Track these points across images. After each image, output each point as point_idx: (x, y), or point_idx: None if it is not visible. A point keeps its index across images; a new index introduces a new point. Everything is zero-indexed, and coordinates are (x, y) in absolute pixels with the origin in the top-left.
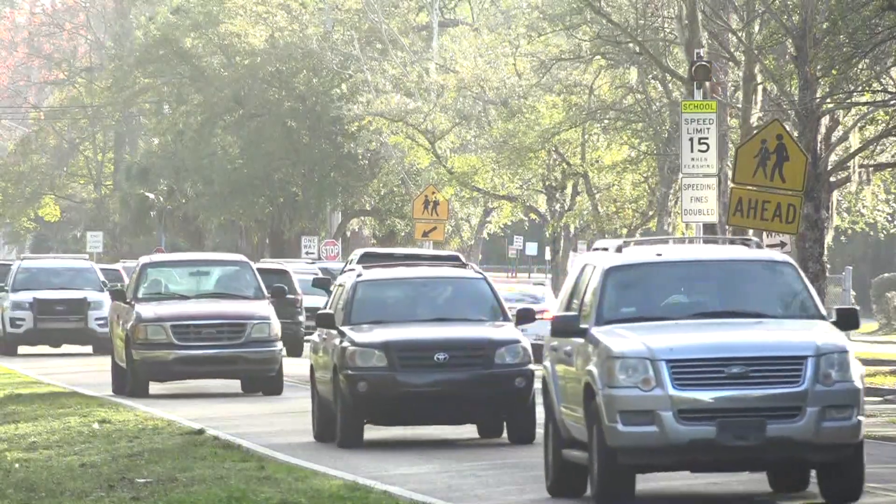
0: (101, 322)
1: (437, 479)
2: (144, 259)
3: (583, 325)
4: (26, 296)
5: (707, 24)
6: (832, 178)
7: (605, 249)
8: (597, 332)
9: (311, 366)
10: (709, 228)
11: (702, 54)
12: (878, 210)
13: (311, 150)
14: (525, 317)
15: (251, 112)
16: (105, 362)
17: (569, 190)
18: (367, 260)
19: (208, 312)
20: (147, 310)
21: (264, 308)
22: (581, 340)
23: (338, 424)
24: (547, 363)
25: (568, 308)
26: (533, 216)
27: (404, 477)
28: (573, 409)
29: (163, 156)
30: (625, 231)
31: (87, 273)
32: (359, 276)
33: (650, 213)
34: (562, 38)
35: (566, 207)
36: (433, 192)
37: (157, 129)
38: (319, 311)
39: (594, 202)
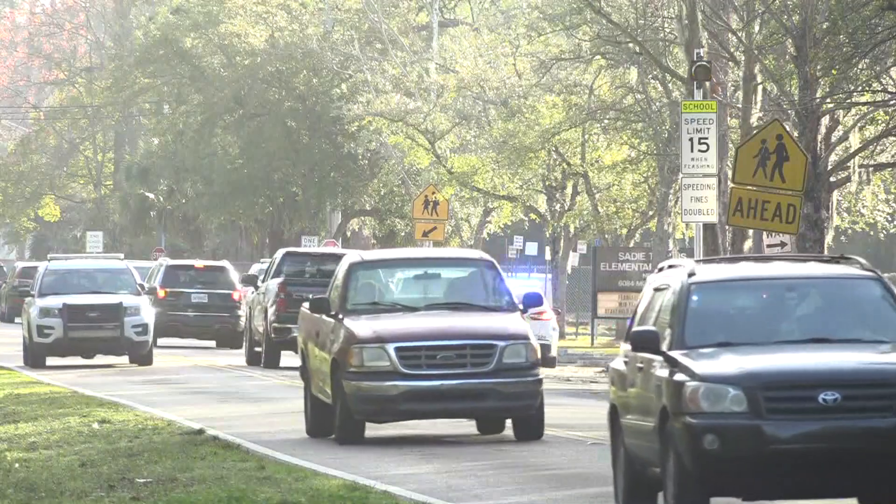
0: (139, 329)
1: (437, 479)
2: (353, 257)
3: None
4: (55, 301)
5: (707, 24)
6: (832, 178)
7: None
8: None
9: (613, 406)
10: (709, 228)
11: (702, 54)
12: (878, 210)
13: (311, 150)
14: None
15: (251, 112)
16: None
17: (569, 190)
18: (290, 259)
19: (446, 330)
20: (362, 326)
21: (518, 322)
22: None
23: (668, 495)
24: None
25: None
26: (533, 216)
27: (404, 477)
28: None
29: (163, 156)
30: (625, 231)
31: (122, 275)
32: (691, 275)
33: (650, 213)
34: (562, 38)
35: (566, 207)
36: (433, 192)
37: (157, 129)
38: (635, 329)
39: (594, 202)
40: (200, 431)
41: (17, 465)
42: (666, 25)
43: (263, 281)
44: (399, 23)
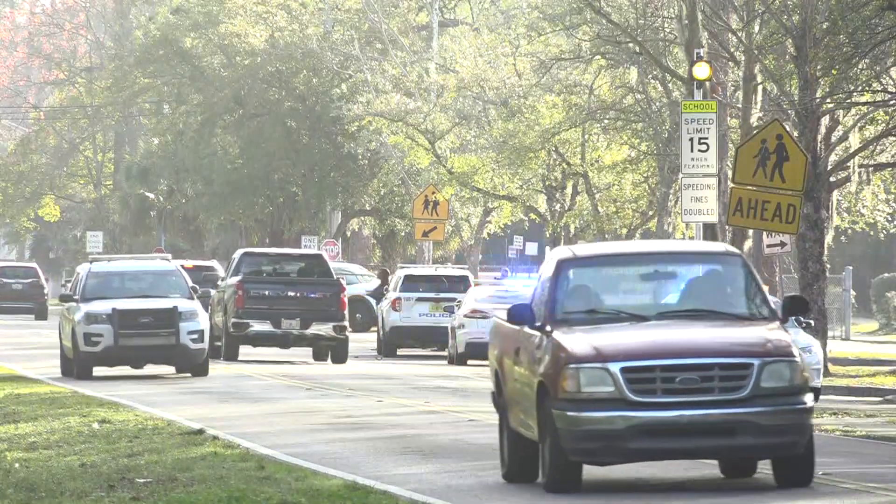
0: (195, 336)
1: (437, 479)
2: (563, 253)
3: None
4: (103, 306)
5: (707, 24)
6: (832, 178)
7: None
8: None
9: None
10: (708, 228)
11: (702, 54)
12: (878, 210)
13: (311, 150)
14: None
15: (251, 112)
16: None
17: (569, 190)
18: (248, 259)
19: (687, 345)
20: (577, 341)
21: (779, 335)
22: None
23: None
24: None
25: None
26: (533, 216)
27: (404, 477)
28: None
29: (163, 156)
30: (625, 231)
31: (172, 277)
32: None
33: (650, 213)
34: (562, 38)
35: (566, 207)
36: (433, 192)
37: (157, 129)
38: None
39: (594, 202)
40: (200, 431)
41: (17, 465)
42: (666, 25)
43: (223, 280)
44: (399, 23)
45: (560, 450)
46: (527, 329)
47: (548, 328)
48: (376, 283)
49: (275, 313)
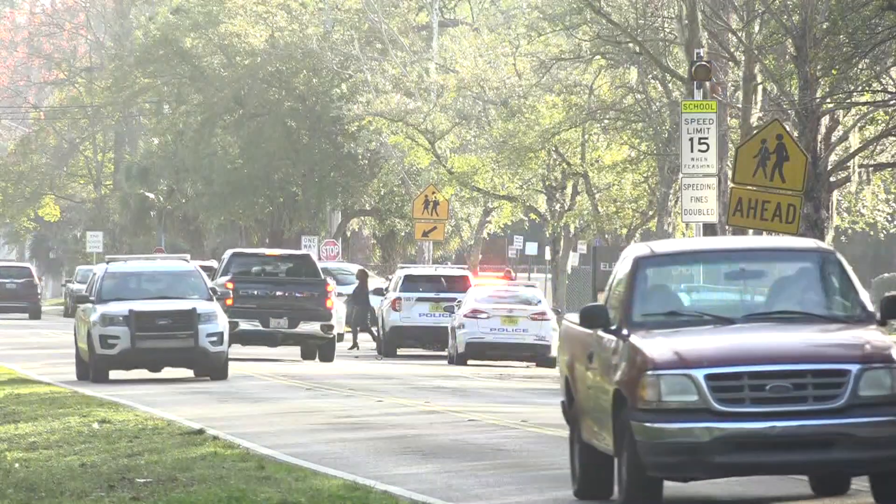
0: (214, 339)
1: (437, 479)
2: (640, 250)
3: None
4: (119, 307)
5: (707, 24)
6: (832, 178)
7: None
8: None
9: None
10: (709, 228)
11: (702, 54)
12: (878, 210)
13: (311, 150)
14: None
15: (251, 112)
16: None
17: (569, 190)
18: (237, 259)
19: (777, 350)
20: (657, 346)
21: (878, 338)
22: None
23: None
24: None
25: None
26: (533, 216)
27: (404, 477)
28: None
29: (163, 156)
30: (625, 231)
31: (191, 277)
32: None
33: (650, 213)
34: (562, 38)
35: (566, 207)
36: (433, 192)
37: (157, 129)
38: None
39: (594, 202)
40: (200, 431)
41: (17, 465)
42: (666, 25)
43: (213, 279)
44: (399, 23)
45: (638, 464)
46: (601, 332)
47: (624, 332)
48: (376, 284)
49: (263, 312)
